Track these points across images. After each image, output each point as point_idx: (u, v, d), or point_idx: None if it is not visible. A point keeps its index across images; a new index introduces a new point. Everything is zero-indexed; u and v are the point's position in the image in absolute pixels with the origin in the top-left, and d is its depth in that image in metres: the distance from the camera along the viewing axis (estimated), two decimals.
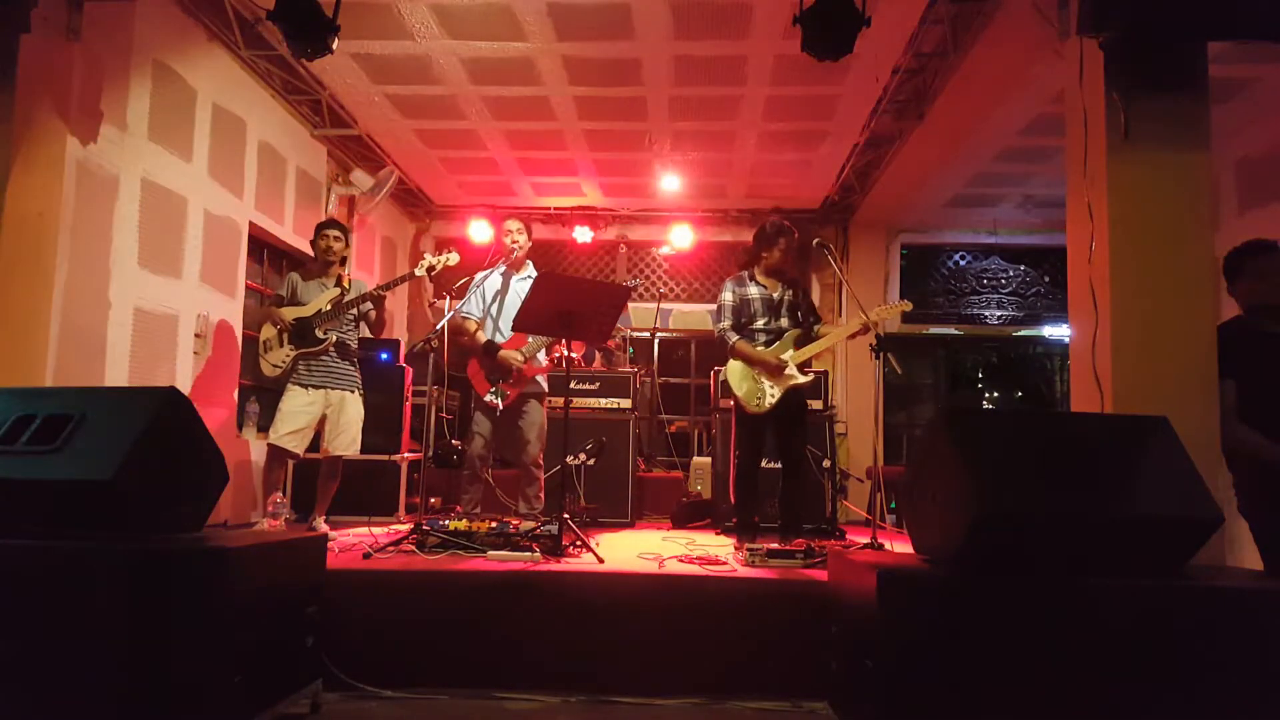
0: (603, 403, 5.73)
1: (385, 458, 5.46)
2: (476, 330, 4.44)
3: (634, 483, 5.68)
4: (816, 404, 5.35)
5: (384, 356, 5.97)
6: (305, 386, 4.25)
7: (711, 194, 7.91)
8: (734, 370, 4.12)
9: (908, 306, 4.38)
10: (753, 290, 4.18)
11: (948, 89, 5.33)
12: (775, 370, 4.01)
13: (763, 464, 4.22)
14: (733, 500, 4.38)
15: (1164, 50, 3.18)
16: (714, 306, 4.37)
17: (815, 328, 4.21)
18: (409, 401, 5.86)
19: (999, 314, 8.46)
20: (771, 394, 3.99)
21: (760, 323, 4.13)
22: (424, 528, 3.64)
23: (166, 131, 4.59)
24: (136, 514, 2.18)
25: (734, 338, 4.12)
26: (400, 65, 5.47)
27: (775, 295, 4.17)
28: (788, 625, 2.89)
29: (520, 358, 4.33)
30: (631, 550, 3.87)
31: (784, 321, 4.16)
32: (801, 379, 4.04)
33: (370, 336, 4.62)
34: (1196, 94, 3.21)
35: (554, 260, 8.50)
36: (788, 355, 4.05)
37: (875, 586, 2.08)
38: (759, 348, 4.08)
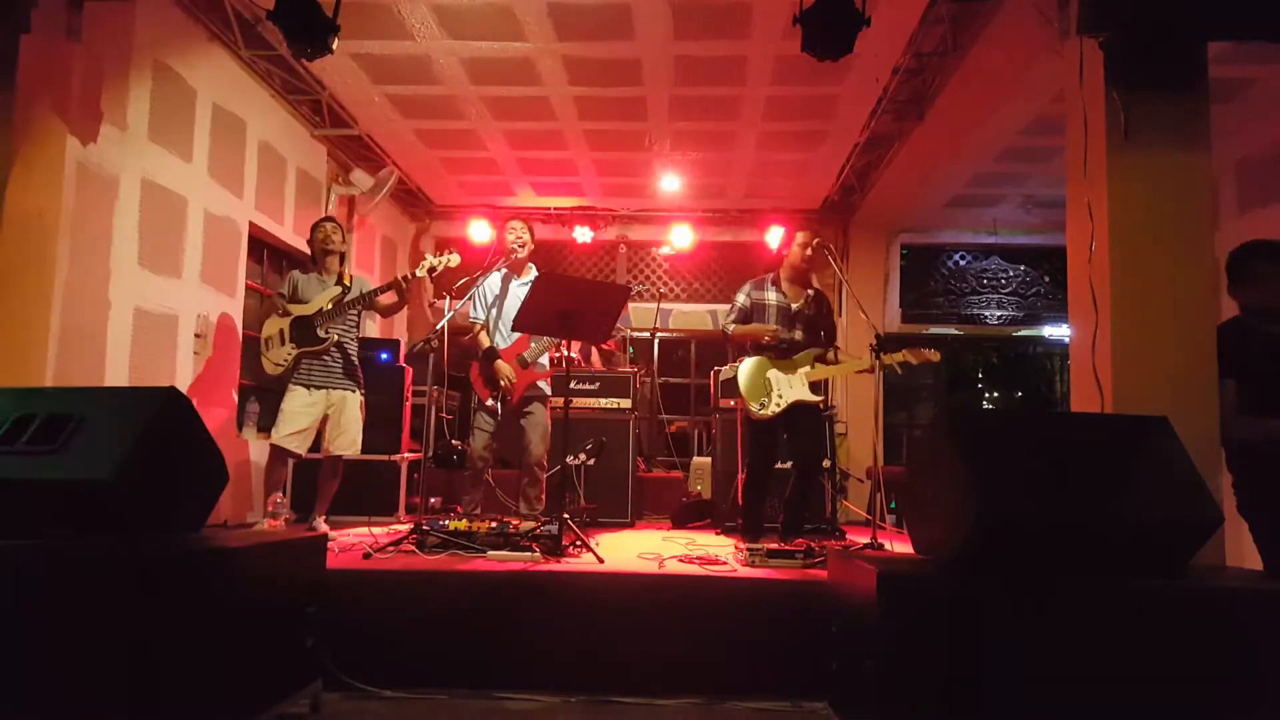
0: (603, 403, 5.73)
1: (385, 458, 5.46)
2: (479, 332, 4.44)
3: (634, 483, 5.68)
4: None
5: (384, 356, 5.97)
6: (308, 386, 4.24)
7: (711, 194, 7.91)
8: (746, 369, 4.02)
9: (935, 357, 3.97)
10: (771, 296, 4.08)
11: (948, 89, 5.33)
12: (788, 366, 3.90)
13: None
14: (740, 503, 4.33)
15: (1164, 50, 3.18)
16: (714, 306, 4.34)
17: (831, 351, 4.10)
18: (409, 401, 5.85)
19: (999, 314, 8.45)
20: (777, 403, 3.93)
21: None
22: (424, 528, 3.64)
23: (166, 131, 4.58)
24: (136, 514, 2.18)
25: (733, 328, 4.04)
26: (400, 65, 5.47)
27: (794, 306, 4.07)
28: (788, 625, 2.89)
29: (517, 368, 4.33)
30: (631, 550, 3.87)
31: (797, 334, 4.06)
32: (811, 397, 3.96)
33: (371, 334, 4.61)
34: (1196, 94, 3.21)
35: (554, 260, 8.49)
36: (805, 370, 3.96)
37: (875, 586, 2.07)
38: (767, 355, 4.00)
